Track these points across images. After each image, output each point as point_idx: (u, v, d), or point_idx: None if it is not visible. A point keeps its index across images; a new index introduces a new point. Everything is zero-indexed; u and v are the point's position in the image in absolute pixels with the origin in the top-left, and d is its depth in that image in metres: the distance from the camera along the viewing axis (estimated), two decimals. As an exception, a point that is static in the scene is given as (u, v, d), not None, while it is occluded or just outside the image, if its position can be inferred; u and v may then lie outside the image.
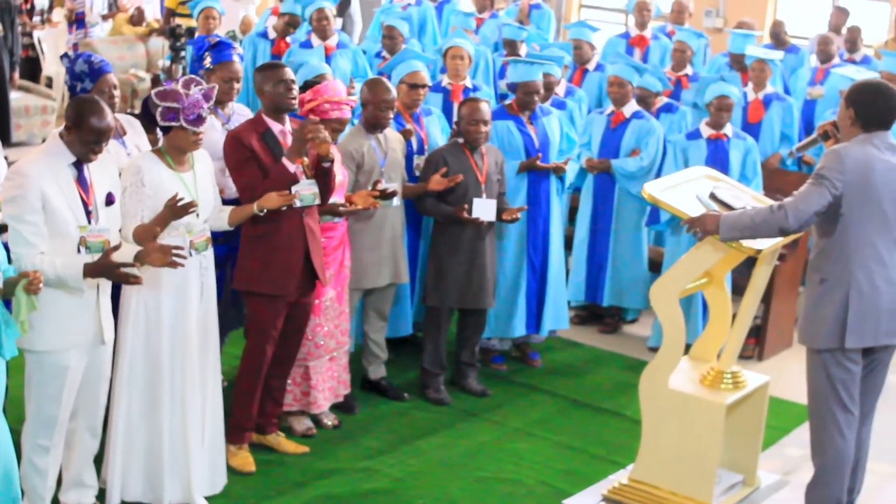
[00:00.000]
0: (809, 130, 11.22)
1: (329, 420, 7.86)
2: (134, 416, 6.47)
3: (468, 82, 10.22)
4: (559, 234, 9.07)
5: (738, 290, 7.37)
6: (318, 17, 11.90)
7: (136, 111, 7.48)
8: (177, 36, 12.29)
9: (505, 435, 8.02)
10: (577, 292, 9.93)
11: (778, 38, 14.25)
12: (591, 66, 12.16)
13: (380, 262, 8.03)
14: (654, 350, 9.18)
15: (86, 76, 6.85)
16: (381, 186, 7.65)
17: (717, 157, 9.26)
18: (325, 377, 7.72)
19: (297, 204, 6.88)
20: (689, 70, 12.08)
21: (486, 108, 8.20)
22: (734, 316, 7.16)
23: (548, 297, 8.96)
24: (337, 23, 12.54)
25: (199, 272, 6.50)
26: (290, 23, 12.51)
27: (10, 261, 5.67)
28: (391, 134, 8.10)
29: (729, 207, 6.69)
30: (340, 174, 7.32)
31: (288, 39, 12.38)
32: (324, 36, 11.82)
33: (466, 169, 8.17)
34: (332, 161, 6.98)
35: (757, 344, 9.73)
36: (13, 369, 5.80)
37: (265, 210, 6.73)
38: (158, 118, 6.23)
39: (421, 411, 8.27)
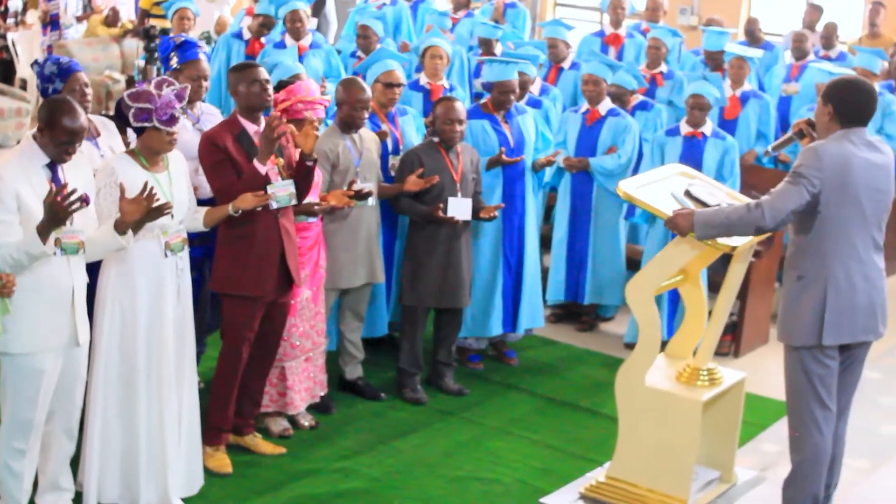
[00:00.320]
0: (785, 128, 11.23)
1: (306, 421, 7.85)
2: (110, 418, 6.45)
3: (445, 82, 10.22)
4: (534, 232, 9.08)
5: (714, 287, 7.39)
6: (291, 19, 11.92)
7: (111, 113, 7.48)
8: (151, 37, 12.28)
9: (482, 434, 8.02)
10: (557, 292, 9.94)
11: (752, 36, 14.28)
12: (566, 64, 12.17)
13: (355, 262, 8.02)
14: (631, 346, 9.21)
15: (56, 77, 6.84)
16: (356, 186, 7.64)
17: (692, 155, 9.27)
18: (301, 378, 7.71)
19: (274, 205, 6.87)
20: (663, 68, 12.09)
21: (461, 108, 8.22)
22: (710, 313, 7.17)
23: (524, 296, 8.97)
24: (312, 23, 12.52)
25: (175, 273, 6.48)
26: (265, 23, 12.48)
27: None
28: (366, 134, 8.10)
29: (704, 205, 6.70)
30: (316, 174, 7.32)
31: (263, 40, 12.36)
32: (297, 37, 11.83)
33: (441, 168, 8.17)
34: (315, 160, 6.98)
35: (733, 340, 9.75)
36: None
37: (240, 211, 6.72)
38: (131, 119, 6.22)
39: (398, 411, 8.27)
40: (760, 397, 8.65)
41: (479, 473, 7.48)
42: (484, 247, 8.78)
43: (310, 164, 6.96)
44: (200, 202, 6.95)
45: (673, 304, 9.32)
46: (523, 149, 8.84)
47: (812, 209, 6.19)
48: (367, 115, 7.95)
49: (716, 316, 7.03)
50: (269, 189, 6.79)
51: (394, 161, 8.46)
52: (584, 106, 9.82)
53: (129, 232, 5.98)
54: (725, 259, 6.97)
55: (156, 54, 12.09)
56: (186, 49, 7.58)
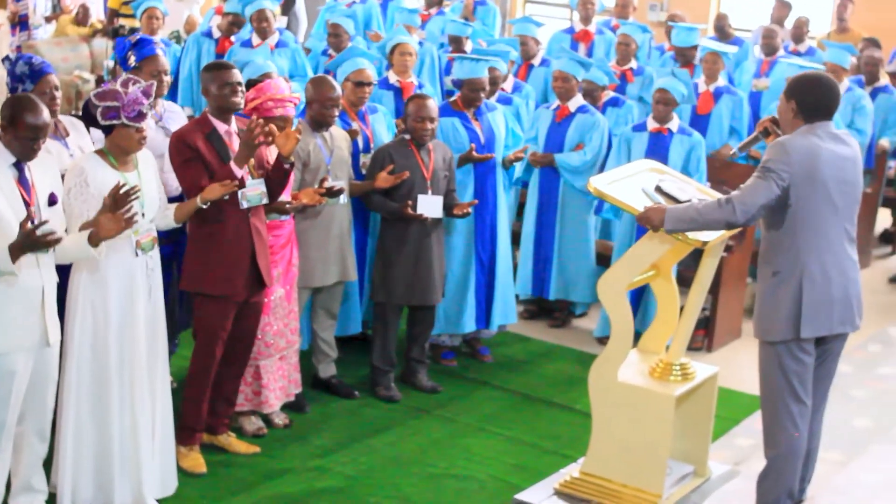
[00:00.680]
0: (755, 122, 11.26)
1: (280, 419, 7.83)
2: (83, 418, 6.41)
3: (414, 79, 10.21)
4: (506, 229, 9.10)
5: (685, 282, 7.39)
6: (258, 18, 11.91)
7: (81, 112, 7.47)
8: (120, 37, 12.21)
9: (456, 431, 8.03)
10: (525, 286, 9.95)
11: (722, 31, 14.31)
12: (536, 61, 12.18)
13: (327, 261, 8.01)
14: (601, 341, 9.26)
15: (26, 77, 6.82)
16: (327, 184, 7.62)
17: (657, 151, 9.28)
18: (275, 376, 7.70)
19: (245, 205, 6.86)
20: (633, 64, 12.11)
21: (433, 106, 8.22)
22: (682, 308, 7.18)
23: (496, 293, 8.98)
24: (282, 21, 12.51)
25: (146, 273, 6.46)
26: (235, 22, 12.47)
27: None
28: (337, 132, 8.08)
29: (675, 200, 6.71)
30: (288, 173, 7.31)
31: (233, 38, 12.34)
32: (264, 35, 11.82)
33: (412, 165, 8.17)
34: (292, 163, 6.98)
35: (706, 335, 9.77)
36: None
37: (209, 202, 6.69)
38: (99, 118, 6.20)
39: (371, 409, 8.26)
40: (733, 391, 8.68)
41: (454, 470, 7.48)
42: (456, 244, 8.79)
43: (287, 166, 6.95)
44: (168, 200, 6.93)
45: (636, 297, 9.31)
46: (494, 146, 8.85)
47: (783, 204, 6.21)
48: (337, 114, 7.94)
49: (688, 311, 7.04)
50: (240, 190, 6.78)
51: (365, 159, 8.46)
52: (556, 102, 9.82)
53: (102, 245, 5.96)
54: (696, 254, 6.98)
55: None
56: (142, 46, 7.57)
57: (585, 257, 9.84)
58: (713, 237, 6.62)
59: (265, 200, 6.98)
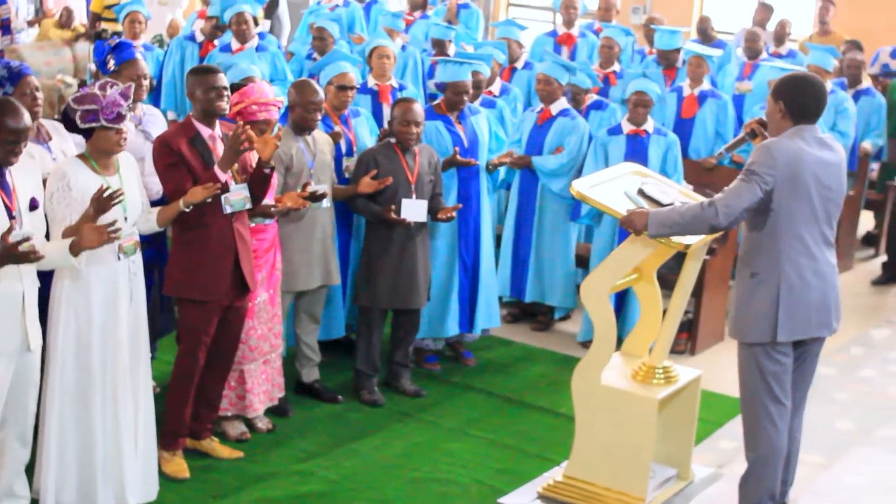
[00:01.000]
0: (739, 126, 11.28)
1: (263, 424, 7.83)
2: (66, 423, 6.39)
3: (394, 82, 10.21)
4: (490, 232, 9.10)
5: (668, 285, 7.41)
6: (237, 21, 11.87)
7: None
8: (103, 41, 12.19)
9: (439, 435, 8.02)
10: (503, 288, 9.93)
11: (705, 34, 14.34)
12: (519, 64, 12.20)
13: (310, 264, 8.00)
14: (585, 345, 9.25)
15: (6, 80, 6.81)
16: (310, 188, 7.62)
17: (636, 153, 9.28)
18: (259, 380, 7.70)
19: (228, 210, 6.86)
20: (616, 67, 12.14)
21: (419, 110, 8.21)
22: (665, 311, 7.19)
23: (480, 297, 8.99)
24: (265, 24, 12.49)
25: (128, 277, 6.44)
26: (218, 26, 12.46)
27: None
28: (319, 136, 8.08)
29: (658, 203, 6.72)
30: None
31: (216, 42, 12.32)
32: (243, 39, 11.78)
33: (397, 169, 8.16)
34: (272, 167, 6.97)
35: (689, 338, 9.78)
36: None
37: (191, 206, 6.68)
38: (79, 122, 6.18)
39: (355, 413, 8.26)
40: (716, 394, 8.69)
41: (437, 474, 7.48)
42: (440, 248, 8.78)
43: (267, 171, 6.95)
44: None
45: (619, 301, 9.32)
46: (477, 149, 8.85)
47: (765, 207, 6.22)
48: (320, 118, 7.94)
49: (671, 314, 7.06)
50: (224, 195, 6.78)
51: (348, 163, 8.45)
52: (540, 105, 9.82)
53: (82, 254, 5.94)
54: (679, 257, 7.00)
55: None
56: (122, 50, 7.57)
57: (564, 261, 9.83)
58: (695, 240, 6.64)
59: (249, 205, 6.97)
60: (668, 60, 12.04)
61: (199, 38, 12.55)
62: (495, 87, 10.68)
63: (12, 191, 5.87)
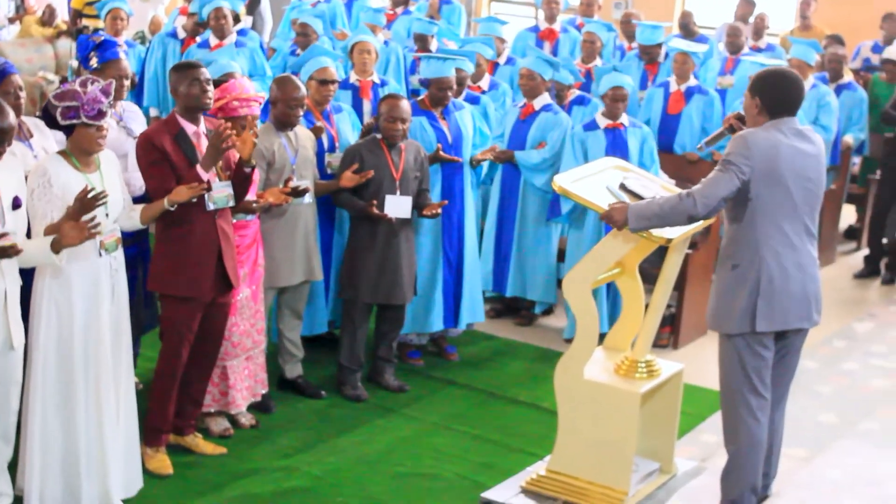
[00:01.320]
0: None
1: (246, 420, 7.82)
2: (49, 420, 6.37)
3: (375, 77, 10.21)
4: (474, 228, 9.10)
5: (650, 279, 7.41)
6: (215, 17, 11.88)
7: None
8: (86, 36, 12.17)
9: (423, 430, 8.03)
10: (485, 282, 9.93)
11: (687, 29, 14.38)
12: (501, 59, 12.21)
13: (293, 260, 8.00)
14: (570, 342, 9.25)
15: (-10, 79, 6.79)
16: (292, 184, 7.61)
17: (617, 147, 9.30)
18: (242, 376, 7.70)
19: (211, 207, 6.85)
20: (598, 62, 12.15)
21: (406, 107, 8.21)
22: (647, 305, 7.20)
23: (464, 291, 9.00)
24: (247, 21, 12.48)
25: (110, 273, 6.43)
26: (200, 22, 12.44)
27: None
28: (301, 131, 8.08)
29: (639, 197, 6.73)
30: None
31: (198, 39, 12.31)
32: (221, 35, 11.78)
33: (382, 165, 8.16)
34: (253, 166, 6.97)
35: (672, 332, 9.80)
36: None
37: (175, 205, 6.67)
38: (59, 118, 6.16)
39: (338, 408, 8.26)
40: (699, 388, 8.71)
41: (421, 469, 7.48)
42: (424, 243, 8.79)
43: (247, 170, 6.95)
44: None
45: (611, 296, 9.36)
46: (461, 145, 8.85)
47: (743, 197, 6.24)
48: (301, 114, 7.93)
49: (653, 308, 7.06)
50: (208, 192, 6.78)
51: (330, 158, 8.45)
52: (523, 100, 9.83)
53: (63, 252, 5.94)
54: (661, 251, 7.00)
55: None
56: (106, 49, 7.54)
57: (545, 256, 9.84)
58: (677, 234, 6.65)
59: (232, 202, 6.97)
60: (649, 55, 12.06)
61: (182, 34, 12.55)
62: (484, 83, 10.69)
63: (-5, 189, 5.87)
